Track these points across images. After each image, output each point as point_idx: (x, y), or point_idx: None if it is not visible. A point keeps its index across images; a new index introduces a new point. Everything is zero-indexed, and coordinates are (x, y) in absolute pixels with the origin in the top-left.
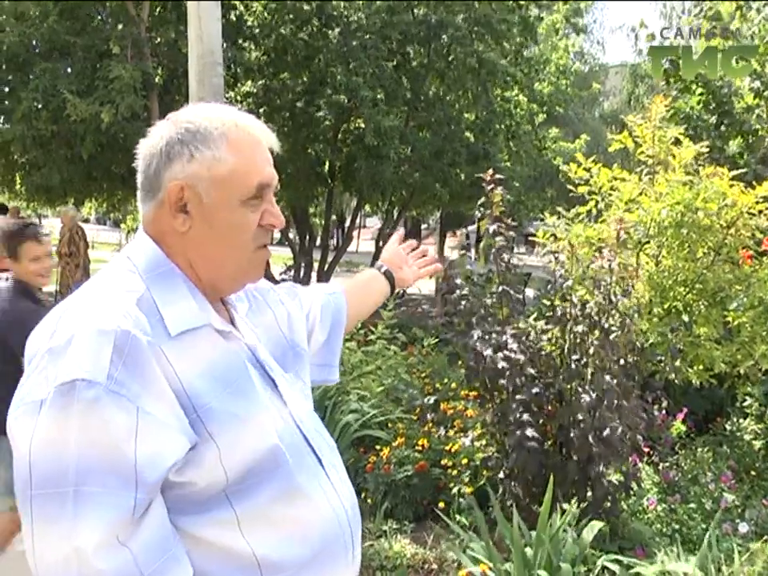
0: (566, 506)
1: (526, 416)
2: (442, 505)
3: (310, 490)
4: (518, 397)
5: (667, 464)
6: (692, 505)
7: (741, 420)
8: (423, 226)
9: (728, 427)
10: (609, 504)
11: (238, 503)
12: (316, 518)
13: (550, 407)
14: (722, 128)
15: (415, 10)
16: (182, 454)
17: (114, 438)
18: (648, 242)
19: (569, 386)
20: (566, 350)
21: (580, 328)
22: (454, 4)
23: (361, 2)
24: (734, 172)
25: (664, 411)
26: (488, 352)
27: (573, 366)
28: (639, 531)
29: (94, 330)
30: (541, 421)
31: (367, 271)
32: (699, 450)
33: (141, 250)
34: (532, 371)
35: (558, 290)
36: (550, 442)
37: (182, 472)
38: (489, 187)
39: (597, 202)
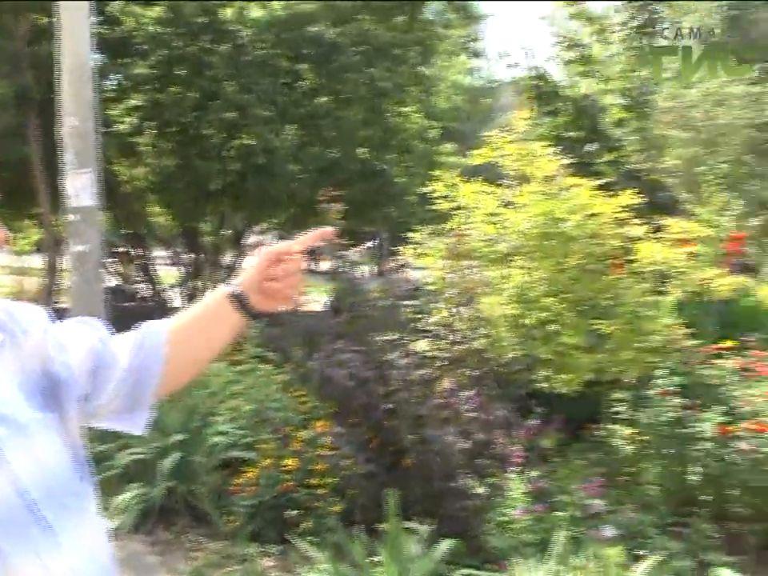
0: (410, 523)
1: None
2: (309, 525)
3: (21, 567)
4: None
5: (539, 473)
6: (560, 513)
7: (612, 426)
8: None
9: (601, 433)
10: (466, 518)
11: None
12: None
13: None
14: (590, 144)
15: (308, 28)
16: None
17: None
18: (515, 255)
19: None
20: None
21: (422, 343)
22: (348, 26)
23: (255, 18)
24: (599, 181)
25: (539, 420)
26: (333, 371)
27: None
28: (503, 543)
29: None
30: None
31: (211, 295)
32: (574, 457)
33: None
34: (380, 389)
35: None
36: (408, 460)
37: None
38: (326, 206)
39: (462, 217)
